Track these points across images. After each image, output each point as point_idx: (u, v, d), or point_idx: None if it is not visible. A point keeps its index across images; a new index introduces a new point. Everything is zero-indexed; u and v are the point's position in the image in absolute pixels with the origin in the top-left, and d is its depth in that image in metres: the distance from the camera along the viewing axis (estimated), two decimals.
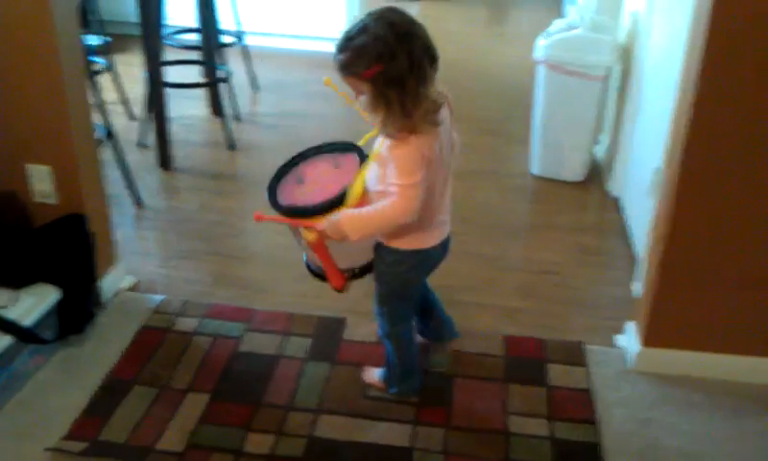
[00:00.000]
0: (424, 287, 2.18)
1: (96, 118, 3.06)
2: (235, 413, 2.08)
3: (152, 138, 3.68)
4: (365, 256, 1.95)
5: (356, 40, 1.63)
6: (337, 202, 1.78)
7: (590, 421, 2.07)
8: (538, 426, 2.05)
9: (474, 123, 4.29)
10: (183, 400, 2.12)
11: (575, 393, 2.18)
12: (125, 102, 4.13)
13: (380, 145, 1.75)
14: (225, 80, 4.01)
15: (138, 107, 3.96)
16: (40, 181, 2.42)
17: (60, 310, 2.29)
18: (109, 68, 3.92)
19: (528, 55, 3.59)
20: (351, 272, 1.96)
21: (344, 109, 4.95)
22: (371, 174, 1.79)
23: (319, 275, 2.00)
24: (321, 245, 1.84)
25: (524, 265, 2.91)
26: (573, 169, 3.58)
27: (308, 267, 2.04)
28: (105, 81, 3.91)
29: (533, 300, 2.67)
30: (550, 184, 3.57)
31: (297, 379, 2.21)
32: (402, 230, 1.81)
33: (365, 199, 1.78)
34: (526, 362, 2.29)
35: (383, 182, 1.74)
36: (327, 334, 2.41)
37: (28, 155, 2.40)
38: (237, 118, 4.18)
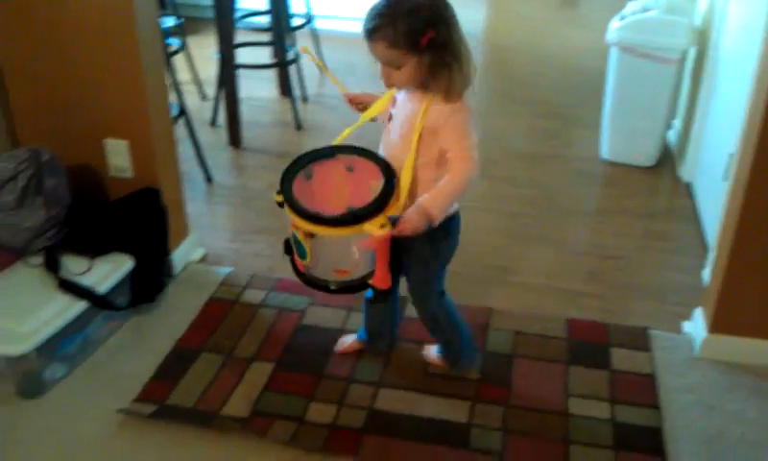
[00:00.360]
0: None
1: (170, 97, 3.15)
2: (298, 383, 2.13)
3: (223, 118, 3.76)
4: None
5: (400, 10, 1.61)
6: (389, 194, 1.74)
7: (653, 405, 2.04)
8: (599, 409, 2.03)
9: (545, 107, 4.25)
10: (248, 368, 2.18)
11: (639, 377, 2.14)
12: (197, 82, 4.24)
13: (420, 117, 1.72)
14: (294, 61, 4.06)
15: (210, 87, 4.06)
16: (117, 156, 2.51)
17: (133, 279, 2.38)
18: (183, 49, 4.02)
19: (601, 38, 3.52)
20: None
21: None
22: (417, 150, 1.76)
23: (355, 287, 1.85)
24: (386, 243, 1.76)
25: (591, 249, 2.87)
26: (644, 154, 3.50)
27: (343, 287, 1.85)
28: (178, 61, 4.01)
29: (598, 284, 2.64)
30: (620, 169, 3.51)
31: (358, 353, 2.25)
32: None
33: (415, 183, 1.78)
34: (589, 346, 2.27)
35: (431, 153, 1.75)
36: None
37: (106, 130, 2.49)
38: (305, 99, 4.24)
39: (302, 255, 1.82)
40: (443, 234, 1.86)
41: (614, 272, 2.71)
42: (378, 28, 1.63)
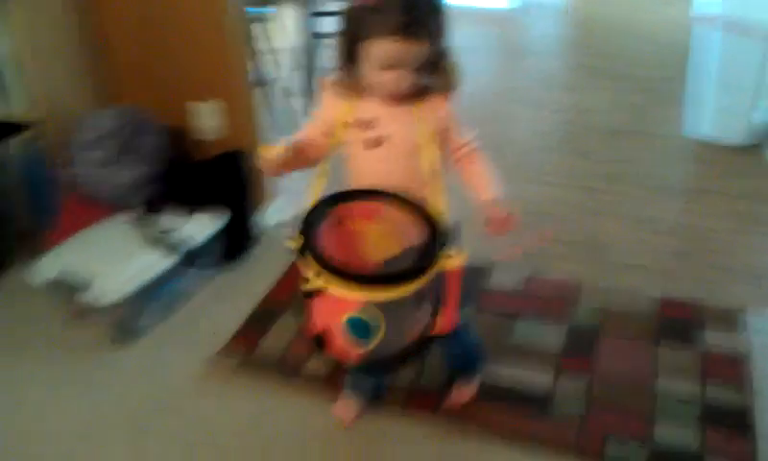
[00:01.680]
0: None
1: (251, 65, 3.20)
2: None
3: (301, 87, 3.79)
4: None
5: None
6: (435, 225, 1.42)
7: (742, 386, 1.98)
8: (686, 387, 1.98)
9: (628, 82, 4.15)
10: None
11: (729, 358, 2.08)
12: (279, 51, 4.28)
13: (425, 120, 1.49)
14: None
15: (287, 56, 4.09)
16: (203, 118, 2.57)
17: (223, 236, 2.44)
18: (266, 20, 4.05)
19: (686, 13, 3.41)
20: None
21: (495, 65, 4.92)
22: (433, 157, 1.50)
23: (422, 345, 1.45)
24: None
25: (680, 229, 2.79)
26: (733, 133, 3.38)
27: (414, 350, 1.45)
28: (260, 30, 4.07)
29: (688, 264, 2.56)
30: (707, 148, 3.40)
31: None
32: None
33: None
34: (678, 324, 2.22)
35: (443, 151, 1.54)
36: (471, 282, 2.43)
37: (191, 94, 2.55)
38: None
39: (368, 335, 1.35)
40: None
41: (705, 252, 2.63)
42: (422, 23, 1.39)
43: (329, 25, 4.03)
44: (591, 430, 1.86)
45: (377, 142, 1.51)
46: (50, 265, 2.18)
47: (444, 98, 1.52)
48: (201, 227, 2.37)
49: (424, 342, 1.44)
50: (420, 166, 1.48)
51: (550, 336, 2.18)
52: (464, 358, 1.92)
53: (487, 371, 2.04)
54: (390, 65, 1.40)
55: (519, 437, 1.85)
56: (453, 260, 1.38)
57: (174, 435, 1.90)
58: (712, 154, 3.36)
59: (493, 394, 1.98)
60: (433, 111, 1.51)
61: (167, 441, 1.88)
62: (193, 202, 2.43)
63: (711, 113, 3.39)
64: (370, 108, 1.50)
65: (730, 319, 2.23)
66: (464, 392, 1.95)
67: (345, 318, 1.33)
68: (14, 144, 2.46)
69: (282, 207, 2.82)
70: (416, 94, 1.48)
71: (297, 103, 3.83)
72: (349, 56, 1.45)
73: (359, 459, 1.83)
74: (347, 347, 1.38)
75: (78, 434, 1.91)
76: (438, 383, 2.00)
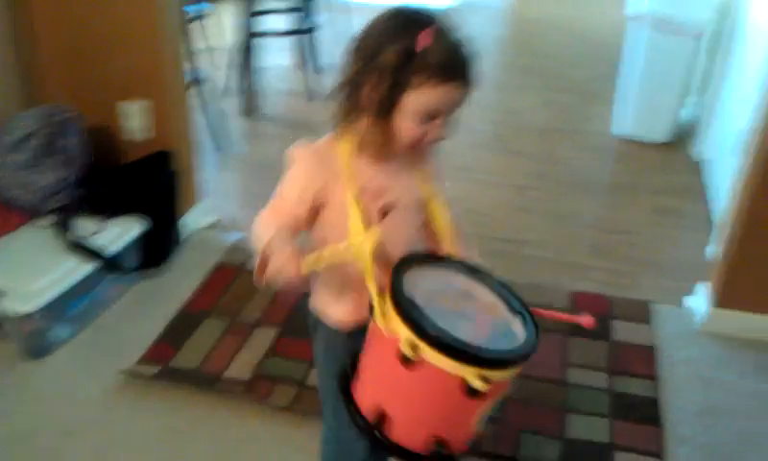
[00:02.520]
0: None
1: (186, 64, 3.18)
2: (301, 348, 2.15)
3: (239, 86, 3.77)
4: None
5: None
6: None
7: (651, 376, 2.05)
8: (597, 379, 2.04)
9: (561, 81, 4.23)
10: (253, 333, 2.22)
11: (638, 349, 2.15)
12: (215, 50, 4.25)
13: (420, 170, 1.32)
14: (310, 30, 4.05)
15: (225, 55, 4.06)
16: (132, 119, 2.53)
17: (142, 242, 2.41)
18: (201, 18, 4.02)
19: (620, 12, 3.49)
20: None
21: None
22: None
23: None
24: None
25: (599, 224, 2.86)
26: (658, 130, 3.48)
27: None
28: (196, 29, 4.03)
29: (604, 258, 2.64)
30: (633, 145, 3.49)
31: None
32: None
33: None
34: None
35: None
36: None
37: (121, 93, 2.52)
38: (318, 70, 4.23)
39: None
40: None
41: (621, 246, 2.71)
42: (472, 68, 1.20)
43: (267, 24, 4.03)
44: (506, 429, 1.89)
45: (390, 207, 1.28)
46: None
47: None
48: (121, 232, 2.34)
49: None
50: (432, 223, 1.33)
51: None
52: None
53: None
54: (435, 115, 1.19)
55: None
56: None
57: (88, 451, 1.87)
58: (637, 151, 3.45)
59: None
60: (430, 165, 1.34)
61: (80, 458, 1.85)
62: (115, 205, 2.40)
63: (639, 112, 3.48)
64: (365, 171, 1.25)
65: (640, 311, 2.30)
66: None
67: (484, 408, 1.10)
68: None
69: (207, 211, 2.81)
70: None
71: (232, 102, 3.81)
72: (386, 109, 1.19)
73: None
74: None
75: None
76: None
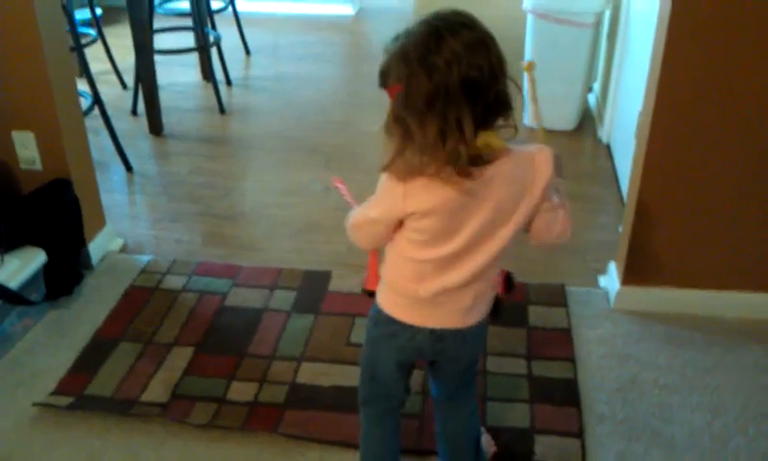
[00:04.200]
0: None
1: (84, 88, 3.09)
2: (219, 364, 2.12)
3: (143, 106, 3.70)
4: None
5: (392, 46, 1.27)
6: None
7: (569, 358, 2.09)
8: (515, 366, 2.07)
9: None
10: (168, 354, 2.16)
11: (554, 332, 2.19)
12: (117, 71, 4.15)
13: None
14: (214, 44, 4.01)
15: (130, 76, 3.98)
16: (25, 148, 2.45)
17: (47, 272, 2.33)
18: (98, 39, 3.93)
19: (519, 7, 3.56)
20: None
21: (339, 70, 4.94)
22: None
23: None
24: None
25: None
26: (565, 118, 3.56)
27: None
28: (96, 51, 3.94)
29: (519, 246, 2.66)
30: (544, 135, 3.55)
31: (281, 331, 2.24)
32: (386, 277, 1.44)
33: None
34: (507, 305, 2.30)
35: None
36: (313, 287, 2.44)
37: (13, 122, 2.43)
38: (228, 82, 4.19)
39: None
40: (371, 321, 1.49)
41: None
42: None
43: (169, 43, 3.96)
44: (427, 423, 1.89)
45: None
46: None
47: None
48: (21, 264, 2.25)
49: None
50: None
51: None
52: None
53: (328, 372, 2.05)
54: None
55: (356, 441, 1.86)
56: None
57: None
58: (548, 139, 3.49)
59: (332, 399, 1.99)
60: None
61: None
62: (12, 238, 2.31)
63: (545, 101, 3.52)
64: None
65: (554, 294, 2.34)
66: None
67: None
68: None
69: (114, 235, 2.73)
70: None
71: (138, 122, 3.73)
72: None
73: None
74: None
75: None
76: (280, 398, 1.99)
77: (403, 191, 1.27)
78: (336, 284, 2.45)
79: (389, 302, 1.43)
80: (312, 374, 2.08)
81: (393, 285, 1.41)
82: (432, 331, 1.40)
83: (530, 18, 3.48)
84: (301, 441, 1.87)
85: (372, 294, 1.50)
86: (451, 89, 1.18)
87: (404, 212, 1.29)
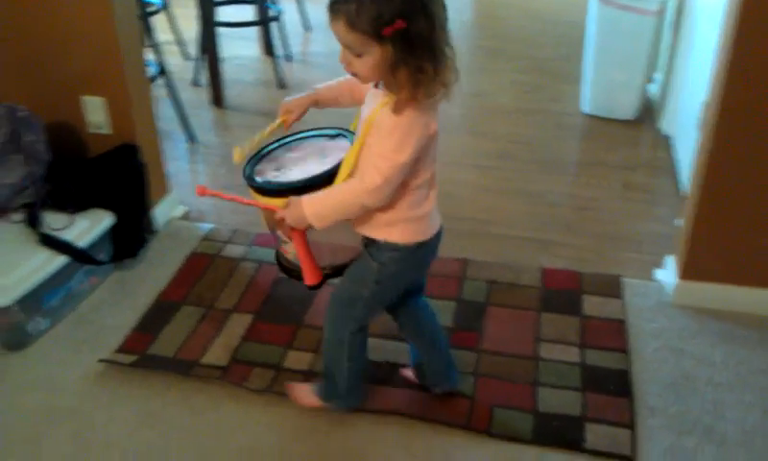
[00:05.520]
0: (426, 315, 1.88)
1: (150, 56, 3.16)
2: (277, 333, 2.18)
3: (205, 77, 3.76)
4: (350, 254, 1.69)
5: None
6: (317, 182, 1.54)
7: (622, 349, 2.09)
8: (568, 353, 2.08)
9: (525, 61, 4.25)
10: (228, 319, 2.23)
11: (609, 323, 2.19)
12: (180, 42, 4.23)
13: (369, 120, 1.47)
14: (276, 19, 4.05)
15: (193, 46, 4.05)
16: (95, 113, 2.52)
17: (113, 235, 2.41)
18: (164, 8, 4.00)
19: None
20: (330, 269, 1.70)
21: None
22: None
23: (289, 270, 1.75)
24: (298, 233, 1.57)
25: (568, 201, 2.90)
26: (625, 107, 3.52)
27: (278, 262, 1.78)
28: (160, 21, 4.01)
29: (574, 234, 2.68)
30: (601, 122, 3.53)
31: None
32: (397, 218, 1.56)
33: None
34: (561, 293, 2.32)
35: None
36: None
37: (83, 87, 2.51)
38: (288, 58, 4.23)
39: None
40: (384, 259, 1.61)
41: (591, 222, 2.75)
42: (342, 1, 1.36)
43: (230, 15, 4.01)
44: (479, 404, 1.93)
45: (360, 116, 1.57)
46: None
47: (398, 108, 1.41)
48: (90, 225, 2.33)
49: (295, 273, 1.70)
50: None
51: (441, 313, 2.22)
52: (326, 361, 1.85)
53: (380, 347, 2.08)
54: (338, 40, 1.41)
55: (408, 415, 1.90)
56: (280, 209, 1.53)
57: (68, 438, 1.88)
58: (606, 128, 3.49)
59: (384, 373, 2.03)
60: (384, 112, 1.43)
61: (62, 447, 1.86)
62: (82, 199, 2.39)
63: (605, 89, 3.52)
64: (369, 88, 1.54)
65: (609, 285, 2.34)
66: (303, 394, 1.93)
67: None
68: None
69: (177, 202, 2.81)
70: (387, 88, 1.45)
71: (201, 93, 3.80)
72: None
73: (253, 452, 1.85)
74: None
75: None
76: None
77: (425, 121, 1.44)
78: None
79: (413, 232, 1.59)
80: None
81: (412, 217, 1.57)
82: (440, 227, 1.65)
83: (593, 4, 3.44)
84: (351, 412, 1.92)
85: (317, 287, 1.66)
86: (439, 24, 1.38)
87: (428, 138, 1.46)
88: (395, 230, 1.57)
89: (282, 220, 1.54)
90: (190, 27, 4.21)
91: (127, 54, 2.45)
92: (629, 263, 2.50)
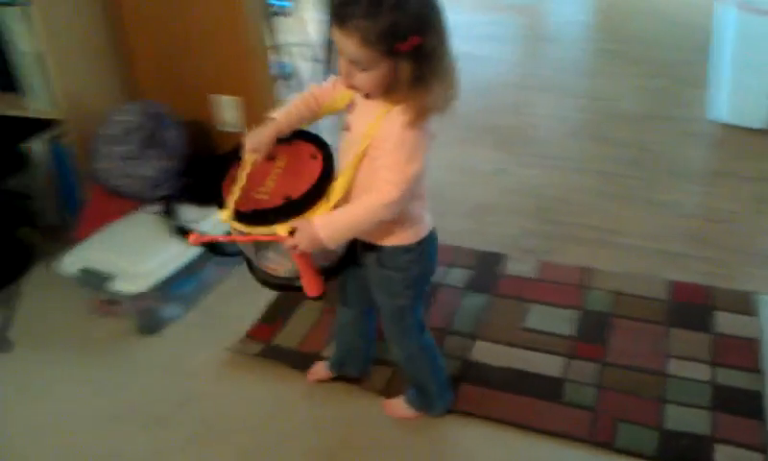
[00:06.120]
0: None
1: (284, 58, 3.26)
2: None
3: (325, 79, 3.83)
4: (338, 252, 1.63)
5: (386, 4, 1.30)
6: (312, 198, 1.49)
7: (756, 369, 2.00)
8: (698, 371, 2.00)
9: (648, 66, 4.12)
10: None
11: (742, 341, 2.10)
12: (307, 44, 4.32)
13: (370, 128, 1.46)
14: None
15: (313, 49, 4.13)
16: (225, 111, 2.63)
17: None
18: (292, 11, 4.10)
19: None
20: (329, 270, 1.64)
21: (515, 51, 4.89)
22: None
23: (283, 286, 1.68)
24: (303, 253, 1.49)
25: (697, 212, 2.79)
26: (756, 115, 3.35)
27: (264, 281, 1.69)
28: (289, 23, 4.12)
29: (704, 247, 2.57)
30: (731, 131, 3.37)
31: (456, 306, 2.29)
32: (411, 221, 1.59)
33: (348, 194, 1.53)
34: (691, 308, 2.23)
35: (374, 178, 1.48)
36: (487, 268, 2.47)
37: (215, 87, 2.61)
38: None
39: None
40: (403, 263, 1.63)
41: (721, 235, 2.63)
42: (355, 15, 1.31)
43: None
44: (603, 417, 1.89)
45: (347, 127, 1.55)
46: (76, 259, 2.27)
47: (407, 117, 1.41)
48: (218, 220, 2.41)
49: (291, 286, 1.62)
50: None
51: (563, 322, 2.20)
52: (413, 378, 1.90)
53: (501, 353, 2.08)
54: (340, 53, 1.38)
55: (530, 424, 1.89)
56: (287, 236, 1.46)
57: (196, 421, 1.97)
58: (736, 136, 3.33)
59: (505, 380, 2.02)
60: (388, 120, 1.44)
61: (187, 431, 1.95)
62: (213, 193, 2.48)
63: (734, 96, 3.36)
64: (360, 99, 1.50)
65: (743, 302, 2.24)
66: (399, 409, 1.95)
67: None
68: (40, 141, 2.55)
69: None
70: (386, 98, 1.43)
71: None
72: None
73: (375, 448, 1.88)
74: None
75: (99, 425, 1.99)
76: (454, 372, 2.04)
77: (431, 134, 1.47)
78: (512, 267, 2.46)
79: (422, 229, 1.62)
80: (485, 353, 2.11)
81: (419, 217, 1.61)
82: None
83: (726, 8, 3.30)
84: (470, 416, 1.93)
85: (320, 298, 1.60)
86: (445, 37, 1.40)
87: (431, 141, 1.48)
88: (406, 233, 1.60)
89: (295, 247, 1.46)
90: (307, 30, 4.30)
91: (260, 55, 2.54)
92: (762, 279, 2.38)
